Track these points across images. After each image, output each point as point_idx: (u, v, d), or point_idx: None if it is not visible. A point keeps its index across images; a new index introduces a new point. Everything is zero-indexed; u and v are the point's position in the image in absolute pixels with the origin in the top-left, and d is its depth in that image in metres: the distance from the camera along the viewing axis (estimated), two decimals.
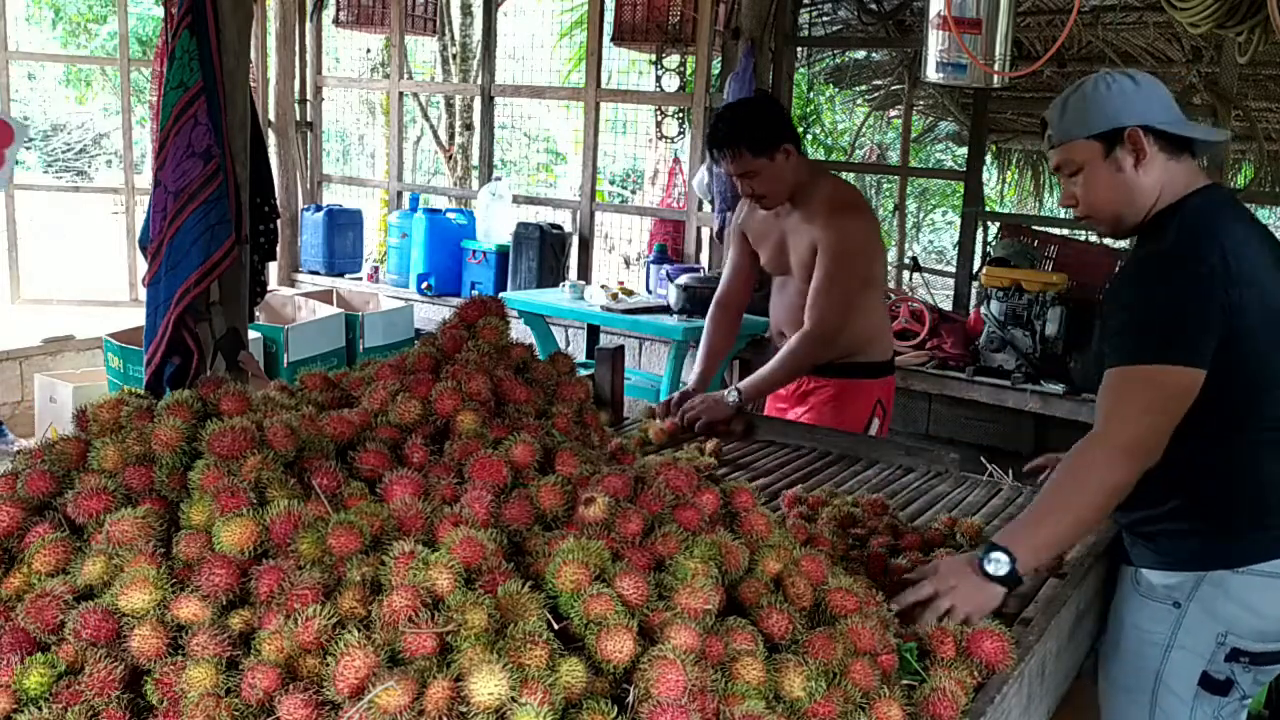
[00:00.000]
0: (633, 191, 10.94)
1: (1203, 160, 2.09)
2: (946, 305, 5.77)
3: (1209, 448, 1.88)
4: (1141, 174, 1.93)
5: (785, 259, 3.17)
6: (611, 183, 11.14)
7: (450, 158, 9.52)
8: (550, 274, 6.07)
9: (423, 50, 10.49)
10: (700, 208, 5.96)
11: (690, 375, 3.21)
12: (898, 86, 6.95)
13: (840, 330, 3.02)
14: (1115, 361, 1.81)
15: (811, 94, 9.25)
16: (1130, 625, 1.98)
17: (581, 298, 5.50)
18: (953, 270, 5.94)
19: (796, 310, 3.16)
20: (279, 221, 3.95)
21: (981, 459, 2.74)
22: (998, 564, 1.71)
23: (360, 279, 7.03)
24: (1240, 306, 1.80)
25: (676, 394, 2.99)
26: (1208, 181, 1.97)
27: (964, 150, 7.01)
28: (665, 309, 5.21)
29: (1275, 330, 1.86)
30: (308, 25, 7.12)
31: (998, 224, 6.02)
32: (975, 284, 5.47)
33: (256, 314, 3.92)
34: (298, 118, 7.17)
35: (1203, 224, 1.89)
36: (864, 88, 7.47)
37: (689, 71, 5.99)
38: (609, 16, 6.12)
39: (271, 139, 6.89)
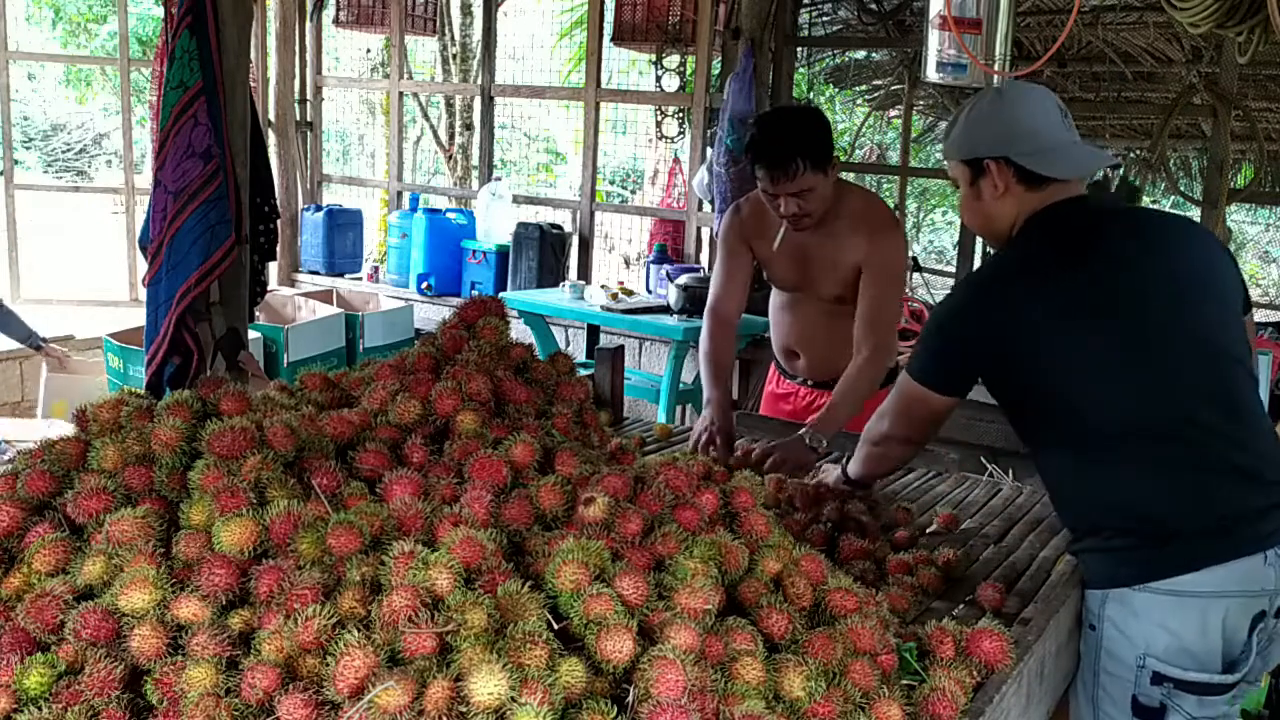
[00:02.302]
0: (633, 191, 10.94)
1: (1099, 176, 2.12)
2: None
3: (1089, 469, 1.86)
4: (999, 204, 1.95)
5: (806, 276, 2.96)
6: (611, 183, 11.14)
7: (450, 158, 9.52)
8: (550, 274, 6.07)
9: (423, 50, 10.50)
10: (700, 208, 5.96)
11: (707, 403, 2.86)
12: (898, 86, 6.95)
13: (894, 342, 2.92)
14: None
15: (811, 94, 9.25)
16: (1078, 651, 1.96)
17: (581, 298, 5.50)
18: (953, 270, 5.95)
19: (821, 330, 2.99)
20: (279, 221, 3.95)
21: (981, 459, 2.74)
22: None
23: (360, 279, 7.03)
24: (1048, 336, 1.80)
25: (711, 430, 2.70)
26: (1073, 194, 1.93)
27: None
28: (665, 309, 5.21)
29: (1119, 353, 1.81)
30: (308, 25, 7.12)
31: None
32: None
33: (256, 314, 3.91)
34: (298, 118, 7.17)
35: (1007, 259, 1.95)
36: (864, 88, 7.47)
37: (689, 71, 5.99)
38: (609, 16, 6.12)
39: (271, 139, 6.90)
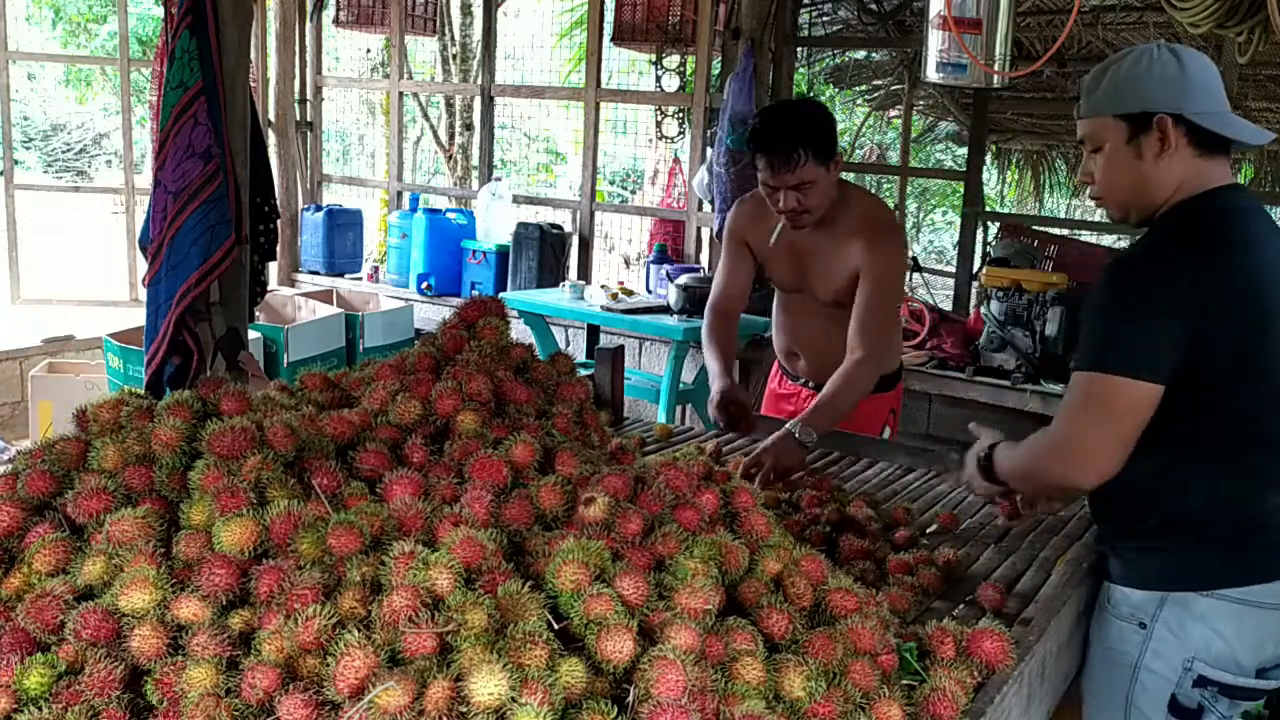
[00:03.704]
0: (633, 191, 10.94)
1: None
2: (946, 305, 5.77)
3: (1184, 467, 1.81)
4: (1162, 165, 1.80)
5: (803, 277, 2.93)
6: (611, 183, 11.14)
7: (450, 158, 9.52)
8: (550, 274, 6.07)
9: (423, 50, 10.49)
10: (700, 208, 5.96)
11: (711, 379, 2.90)
12: (898, 86, 6.95)
13: (888, 349, 2.91)
14: (1074, 363, 1.81)
15: (811, 94, 9.25)
16: (1100, 643, 1.94)
17: (581, 298, 5.50)
18: (953, 270, 5.94)
19: (820, 333, 2.96)
20: (279, 221, 3.95)
21: None
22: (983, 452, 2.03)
23: (360, 279, 7.03)
24: (1212, 323, 1.70)
25: (721, 401, 2.79)
26: (1232, 181, 1.84)
27: (964, 150, 7.02)
28: (665, 309, 5.21)
29: (1259, 354, 1.75)
30: (308, 25, 7.12)
31: (998, 224, 6.02)
32: (975, 284, 5.46)
33: (256, 314, 3.92)
34: (298, 118, 7.17)
35: (1197, 230, 1.79)
36: (864, 88, 7.47)
37: (689, 71, 5.99)
38: (609, 17, 6.12)
39: (271, 139, 6.89)
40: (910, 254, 7.23)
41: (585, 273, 6.45)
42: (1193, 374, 1.73)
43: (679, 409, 5.36)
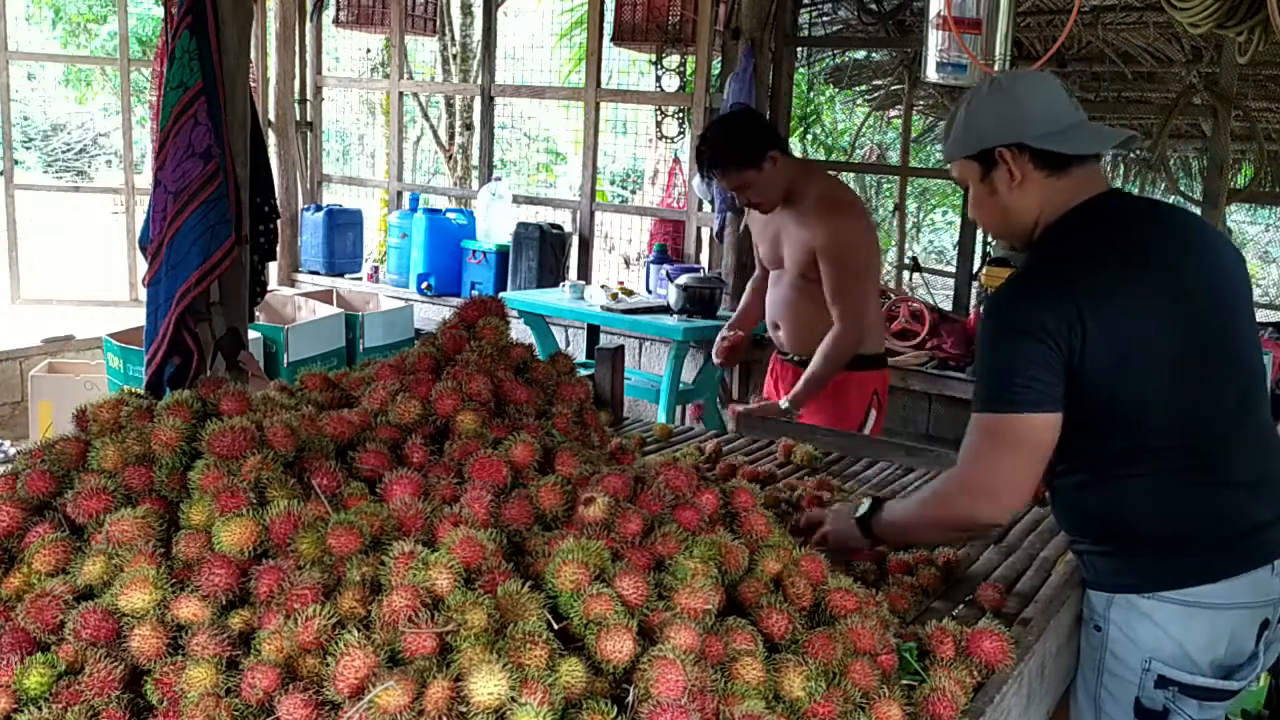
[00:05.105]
0: (633, 191, 10.94)
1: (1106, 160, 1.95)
2: (946, 305, 5.77)
3: (1116, 476, 1.80)
4: (1017, 195, 1.83)
5: (780, 254, 3.34)
6: (611, 183, 11.14)
7: (450, 158, 9.52)
8: (550, 274, 6.07)
9: (423, 50, 10.49)
10: (700, 208, 5.96)
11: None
12: (898, 86, 6.95)
13: (864, 320, 3.20)
14: (973, 405, 1.81)
15: (811, 94, 9.25)
16: (1079, 648, 1.95)
17: (581, 298, 5.50)
18: (953, 270, 5.94)
19: (792, 305, 3.36)
20: (279, 221, 3.95)
21: None
22: (861, 511, 1.94)
23: (360, 279, 7.03)
24: (1096, 336, 1.69)
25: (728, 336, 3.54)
26: (1100, 190, 1.84)
27: None
28: (665, 309, 5.21)
29: (1159, 361, 1.74)
30: (308, 25, 7.12)
31: None
32: (975, 284, 5.46)
33: (256, 314, 3.92)
34: (298, 118, 7.17)
35: (1060, 255, 1.80)
36: (864, 88, 7.46)
37: (689, 71, 5.99)
38: (609, 17, 6.12)
39: (271, 139, 6.89)
40: (911, 253, 7.24)
41: (585, 273, 6.44)
42: (1115, 389, 1.74)
43: (679, 409, 5.36)
